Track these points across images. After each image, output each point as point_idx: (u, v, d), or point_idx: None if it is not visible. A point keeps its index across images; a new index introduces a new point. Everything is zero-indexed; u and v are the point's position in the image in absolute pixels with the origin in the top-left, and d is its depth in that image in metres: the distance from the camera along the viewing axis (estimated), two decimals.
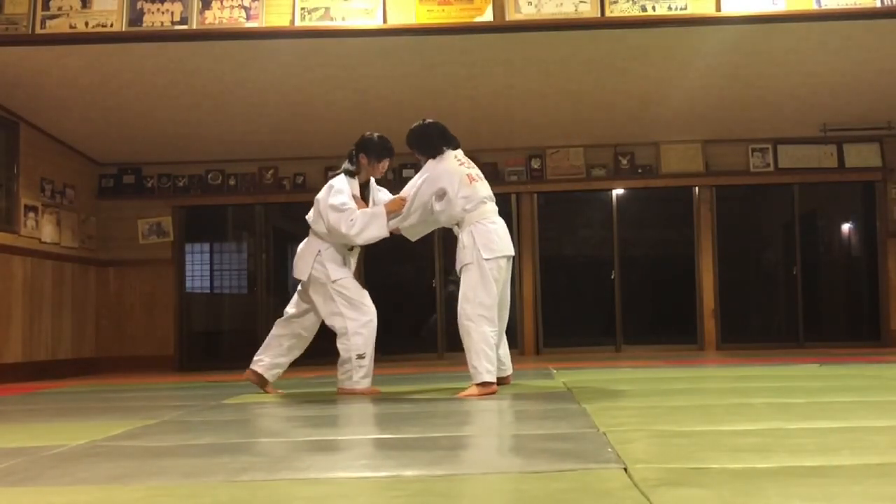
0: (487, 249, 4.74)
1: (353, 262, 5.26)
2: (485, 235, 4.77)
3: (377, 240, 5.03)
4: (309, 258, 5.12)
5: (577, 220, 11.21)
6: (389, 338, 10.52)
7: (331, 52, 7.23)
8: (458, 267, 4.87)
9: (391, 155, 5.18)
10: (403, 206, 4.94)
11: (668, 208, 10.83)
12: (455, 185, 4.82)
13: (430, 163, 4.94)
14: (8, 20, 6.72)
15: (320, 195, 5.07)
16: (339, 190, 5.00)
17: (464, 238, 4.81)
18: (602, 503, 1.92)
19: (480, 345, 4.66)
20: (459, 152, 5.02)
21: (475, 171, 4.97)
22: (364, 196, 5.16)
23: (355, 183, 5.11)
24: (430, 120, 5.10)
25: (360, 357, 4.96)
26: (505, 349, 5.09)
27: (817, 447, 2.60)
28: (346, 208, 4.93)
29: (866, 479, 2.08)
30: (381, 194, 5.26)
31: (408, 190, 4.98)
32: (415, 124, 5.06)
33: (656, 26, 6.85)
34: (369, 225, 4.93)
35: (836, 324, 10.70)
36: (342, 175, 5.12)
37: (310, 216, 5.16)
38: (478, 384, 4.64)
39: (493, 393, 4.61)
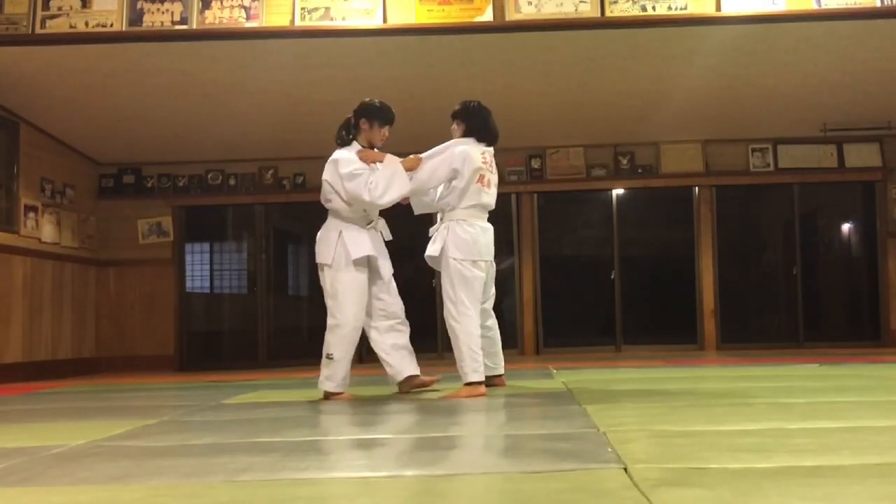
0: (456, 250, 4.70)
1: (382, 235, 4.98)
2: (459, 236, 4.72)
3: (402, 198, 4.85)
4: (332, 240, 4.84)
5: (577, 220, 11.20)
6: None
7: (331, 52, 7.23)
8: (426, 255, 4.85)
9: (392, 122, 5.01)
10: (418, 165, 4.83)
11: (668, 208, 10.82)
12: (468, 176, 4.74)
13: (459, 139, 4.86)
14: (8, 20, 6.72)
15: (326, 174, 4.85)
16: (347, 160, 4.81)
17: (440, 229, 4.81)
18: (602, 503, 1.92)
19: (467, 345, 4.63)
20: (490, 151, 4.92)
21: (493, 178, 4.89)
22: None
23: (353, 150, 4.92)
24: (484, 107, 4.98)
25: (328, 357, 4.75)
26: (493, 348, 5.02)
27: (817, 447, 2.60)
28: (360, 173, 4.74)
29: (866, 479, 2.08)
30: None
31: (427, 154, 4.88)
32: (473, 102, 4.96)
33: (656, 26, 6.85)
34: (392, 184, 4.73)
35: (836, 324, 10.69)
36: (338, 149, 4.93)
37: (323, 197, 4.93)
38: (466, 384, 4.62)
39: (481, 395, 4.54)
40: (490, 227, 4.90)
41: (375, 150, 4.96)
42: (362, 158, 4.81)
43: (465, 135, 4.89)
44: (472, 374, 4.61)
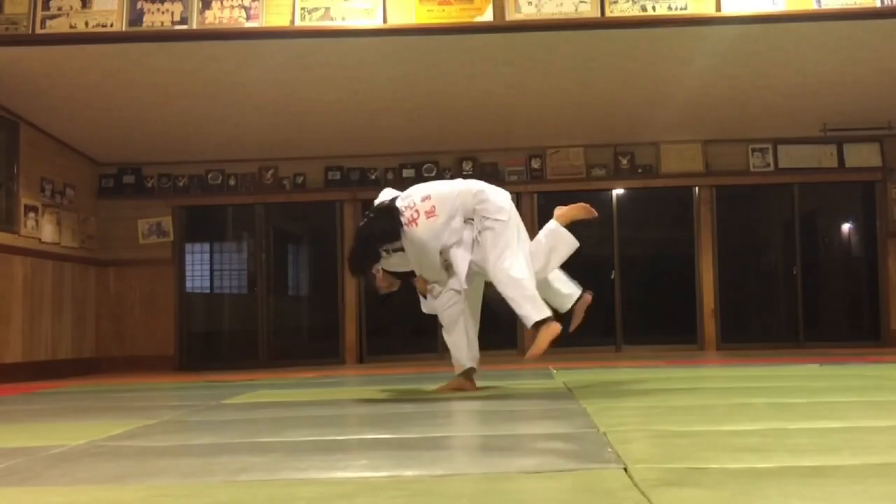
0: (501, 211, 4.56)
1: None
2: (489, 207, 4.55)
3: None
4: None
5: (577, 220, 11.17)
6: (389, 338, 10.55)
7: (331, 52, 7.23)
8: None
9: (356, 272, 4.90)
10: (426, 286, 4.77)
11: (668, 208, 10.81)
12: (443, 235, 4.57)
13: (400, 248, 4.64)
14: (8, 20, 6.72)
15: None
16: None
17: (474, 229, 4.61)
18: (602, 503, 1.92)
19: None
20: (407, 201, 4.64)
21: (421, 197, 4.60)
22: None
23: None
24: (357, 238, 4.77)
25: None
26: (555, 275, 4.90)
27: (817, 447, 2.59)
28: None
29: (866, 479, 2.08)
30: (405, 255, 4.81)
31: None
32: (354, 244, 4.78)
33: (656, 26, 6.85)
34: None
35: (836, 324, 10.69)
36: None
37: None
38: (540, 327, 4.49)
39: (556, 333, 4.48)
40: (477, 187, 4.75)
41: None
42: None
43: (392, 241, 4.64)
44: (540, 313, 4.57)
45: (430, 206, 4.55)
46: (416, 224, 4.53)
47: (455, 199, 4.59)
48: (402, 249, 4.65)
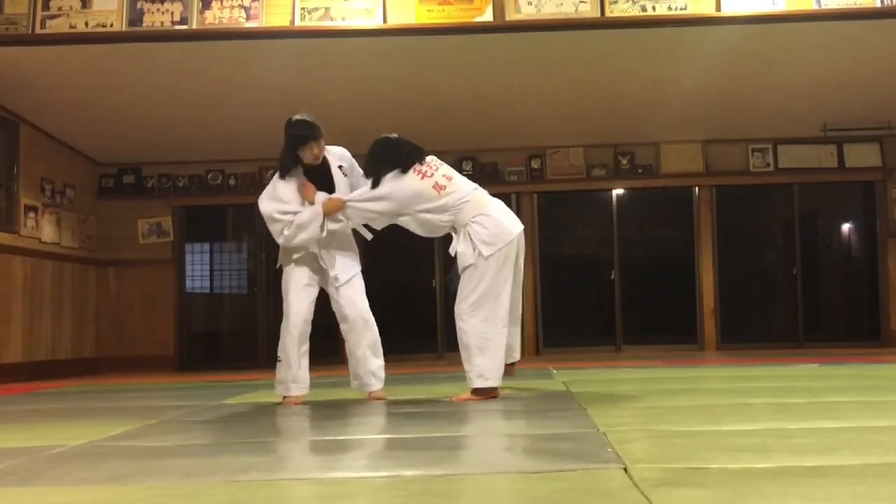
0: (487, 245, 4.35)
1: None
2: (481, 231, 4.37)
3: (311, 241, 4.58)
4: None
5: (577, 220, 11.20)
6: (389, 338, 10.52)
7: (331, 52, 7.23)
8: (459, 269, 4.50)
9: (307, 138, 4.66)
10: (339, 209, 4.53)
11: (668, 208, 10.82)
12: (421, 204, 4.43)
13: (389, 178, 4.49)
14: (8, 20, 6.72)
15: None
16: (271, 198, 4.63)
17: (460, 242, 4.43)
18: (602, 503, 1.92)
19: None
20: (426, 159, 4.55)
21: (442, 173, 4.48)
22: (323, 180, 4.65)
23: (296, 175, 4.64)
24: (387, 137, 4.62)
25: (278, 360, 4.58)
26: (515, 335, 4.68)
27: (817, 447, 2.60)
28: (279, 219, 4.55)
29: (866, 479, 2.08)
30: (341, 181, 4.68)
31: (358, 195, 4.56)
32: (372, 151, 4.58)
33: (656, 26, 6.85)
34: (299, 233, 4.53)
35: (836, 324, 10.69)
36: (275, 176, 4.73)
37: None
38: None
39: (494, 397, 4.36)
40: (499, 203, 4.58)
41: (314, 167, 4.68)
42: (327, 210, 4.54)
43: (388, 171, 4.49)
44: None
45: (445, 183, 4.45)
46: (422, 178, 4.44)
47: (461, 202, 4.42)
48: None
